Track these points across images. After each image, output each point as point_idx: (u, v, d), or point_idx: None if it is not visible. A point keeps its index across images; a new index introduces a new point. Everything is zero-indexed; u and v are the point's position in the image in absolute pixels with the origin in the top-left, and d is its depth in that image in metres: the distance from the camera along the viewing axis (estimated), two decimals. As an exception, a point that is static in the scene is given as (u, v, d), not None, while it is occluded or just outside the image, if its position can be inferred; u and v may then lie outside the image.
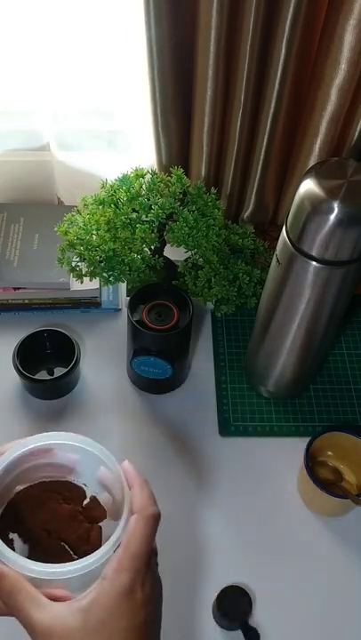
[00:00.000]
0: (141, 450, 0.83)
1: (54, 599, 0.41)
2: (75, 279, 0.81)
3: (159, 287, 0.80)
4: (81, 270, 0.80)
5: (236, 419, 0.85)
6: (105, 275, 0.79)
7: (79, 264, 0.80)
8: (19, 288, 0.92)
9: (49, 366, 0.87)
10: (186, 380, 0.89)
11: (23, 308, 0.94)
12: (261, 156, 0.85)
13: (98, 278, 0.80)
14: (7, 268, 0.91)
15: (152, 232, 0.78)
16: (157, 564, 0.46)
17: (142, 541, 0.42)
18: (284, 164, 0.89)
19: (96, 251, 0.77)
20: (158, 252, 0.83)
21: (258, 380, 0.86)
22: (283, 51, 0.72)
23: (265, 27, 0.71)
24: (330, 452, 0.80)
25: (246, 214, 0.96)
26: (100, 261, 0.78)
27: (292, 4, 0.67)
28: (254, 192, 0.92)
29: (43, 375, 0.86)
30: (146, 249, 0.79)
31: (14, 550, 0.43)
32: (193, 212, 0.79)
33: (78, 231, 0.78)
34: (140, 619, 0.41)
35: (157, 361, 0.78)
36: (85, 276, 0.80)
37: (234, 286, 0.82)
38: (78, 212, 0.81)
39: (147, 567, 0.42)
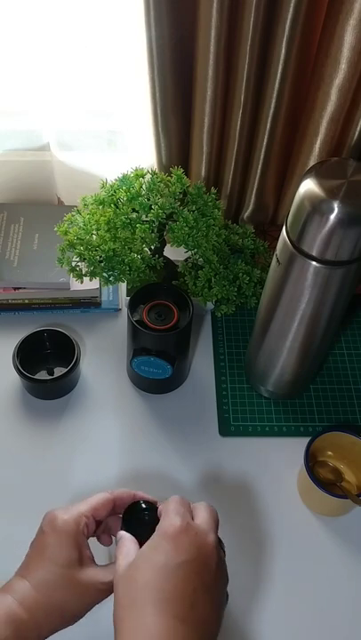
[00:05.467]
0: (141, 450, 0.83)
1: None
2: (75, 279, 0.81)
3: (159, 287, 0.80)
4: (81, 270, 0.80)
5: (236, 419, 0.85)
6: (105, 275, 0.79)
7: (79, 264, 0.80)
8: (19, 288, 0.92)
9: (49, 366, 0.87)
10: (186, 379, 0.89)
11: (23, 308, 0.94)
12: (261, 156, 0.85)
13: (98, 278, 0.80)
14: (7, 267, 0.91)
15: (152, 232, 0.78)
16: (224, 553, 0.52)
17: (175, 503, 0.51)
18: (284, 164, 0.89)
19: (96, 251, 0.77)
20: (158, 252, 0.83)
21: (258, 380, 0.86)
22: (283, 51, 0.72)
23: (265, 27, 0.71)
24: (330, 452, 0.80)
25: (246, 214, 0.96)
26: (100, 261, 0.78)
27: (292, 4, 0.67)
28: (254, 192, 0.92)
29: (43, 375, 0.86)
30: (146, 249, 0.79)
31: None
32: (193, 211, 0.79)
33: (78, 231, 0.78)
34: (180, 558, 0.47)
35: (157, 361, 0.78)
36: (85, 275, 0.80)
37: (234, 286, 0.82)
38: (78, 211, 0.81)
39: (187, 525, 0.49)
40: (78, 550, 0.53)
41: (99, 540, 0.60)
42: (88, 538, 0.55)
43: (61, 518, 0.53)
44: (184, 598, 0.46)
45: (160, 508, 0.53)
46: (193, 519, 0.51)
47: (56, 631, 0.52)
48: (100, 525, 0.58)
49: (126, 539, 0.52)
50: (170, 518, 0.49)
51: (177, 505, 0.51)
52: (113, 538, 0.59)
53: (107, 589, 0.52)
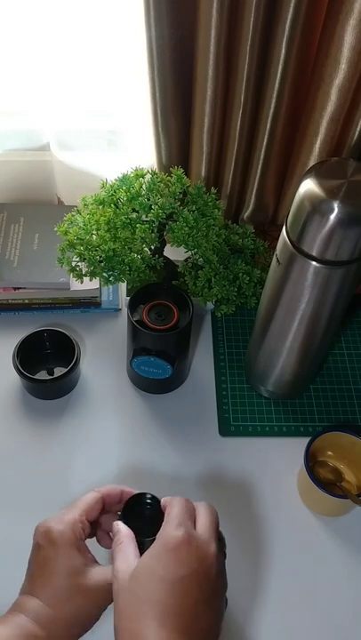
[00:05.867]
0: (141, 450, 0.83)
1: None
2: (75, 279, 0.81)
3: (159, 287, 0.80)
4: (81, 270, 0.80)
5: (236, 419, 0.85)
6: (105, 275, 0.79)
7: (79, 264, 0.80)
8: (19, 288, 0.92)
9: (49, 366, 0.87)
10: (186, 379, 0.89)
11: (23, 308, 0.94)
12: (261, 156, 0.85)
13: (98, 278, 0.80)
14: (7, 267, 0.91)
15: (152, 232, 0.78)
16: (225, 556, 0.52)
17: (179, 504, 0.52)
18: (284, 164, 0.89)
19: (96, 251, 0.77)
20: (158, 252, 0.83)
21: (258, 380, 0.86)
22: (283, 51, 0.72)
23: (265, 27, 0.71)
24: (330, 452, 0.80)
25: (246, 214, 0.96)
26: (100, 261, 0.78)
27: (292, 4, 0.67)
28: (254, 192, 0.92)
29: (43, 375, 0.86)
30: (146, 249, 0.79)
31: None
32: (193, 211, 0.79)
33: (78, 231, 0.78)
34: (181, 573, 0.47)
35: (157, 361, 0.78)
36: (85, 275, 0.80)
37: (234, 286, 0.82)
38: (78, 211, 0.81)
39: (190, 534, 0.49)
40: (80, 557, 0.52)
41: (99, 542, 0.60)
42: (85, 540, 0.55)
43: (57, 530, 0.52)
44: (186, 611, 0.46)
45: (163, 503, 0.53)
46: (195, 524, 0.51)
47: (82, 633, 0.51)
48: (95, 525, 0.58)
49: (123, 535, 0.52)
50: (172, 529, 0.49)
51: (180, 511, 0.51)
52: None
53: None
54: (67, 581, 0.51)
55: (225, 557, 0.52)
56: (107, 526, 0.60)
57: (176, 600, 0.46)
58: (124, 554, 0.50)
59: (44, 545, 0.52)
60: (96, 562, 0.54)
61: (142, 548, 0.52)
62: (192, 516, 0.52)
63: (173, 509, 0.51)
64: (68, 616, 0.50)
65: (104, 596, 0.51)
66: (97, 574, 0.52)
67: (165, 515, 0.51)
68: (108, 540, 0.59)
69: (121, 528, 0.53)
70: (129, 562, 0.49)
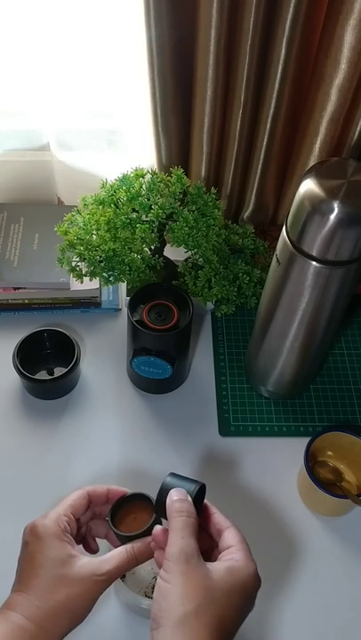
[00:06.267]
0: (141, 450, 0.83)
1: None
2: (75, 279, 0.81)
3: (159, 287, 0.80)
4: (81, 270, 0.80)
5: (236, 419, 0.85)
6: (105, 275, 0.79)
7: (79, 264, 0.80)
8: (19, 288, 0.92)
9: (49, 366, 0.87)
10: (186, 379, 0.89)
11: (23, 308, 0.94)
12: (261, 156, 0.85)
13: (98, 278, 0.80)
14: (7, 267, 0.91)
15: (152, 232, 0.78)
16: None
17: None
18: (284, 164, 0.89)
19: (96, 251, 0.77)
20: (158, 252, 0.83)
21: (258, 380, 0.86)
22: (283, 51, 0.72)
23: (265, 27, 0.71)
24: (330, 452, 0.80)
25: (246, 214, 0.96)
26: (100, 261, 0.78)
27: (292, 4, 0.67)
28: (254, 192, 0.92)
29: (43, 375, 0.86)
30: (146, 249, 0.79)
31: None
32: (193, 211, 0.79)
33: (78, 231, 0.78)
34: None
35: (157, 361, 0.78)
36: (85, 275, 0.80)
37: (234, 286, 0.82)
38: (78, 211, 0.81)
39: None
40: (65, 549, 0.53)
41: (86, 547, 0.60)
42: (72, 535, 0.55)
43: (41, 524, 0.53)
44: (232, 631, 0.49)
45: (217, 523, 0.55)
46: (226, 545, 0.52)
47: (69, 632, 0.51)
48: (81, 527, 0.59)
49: (189, 511, 0.52)
50: (249, 563, 0.51)
51: (244, 540, 0.53)
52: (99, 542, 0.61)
53: (106, 579, 0.52)
54: (53, 572, 0.51)
55: None
56: (96, 532, 0.60)
57: (228, 622, 0.48)
58: (190, 530, 0.50)
59: (30, 541, 0.53)
60: (84, 555, 0.54)
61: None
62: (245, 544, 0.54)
63: (237, 537, 0.53)
64: (57, 607, 0.50)
65: (93, 587, 0.51)
66: (85, 565, 0.52)
67: (234, 540, 0.52)
68: (94, 544, 0.61)
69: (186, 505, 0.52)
70: (192, 547, 0.49)
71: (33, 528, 0.54)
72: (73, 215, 0.80)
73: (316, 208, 0.58)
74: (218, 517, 0.55)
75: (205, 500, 0.56)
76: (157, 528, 0.53)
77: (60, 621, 0.51)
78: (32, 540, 0.53)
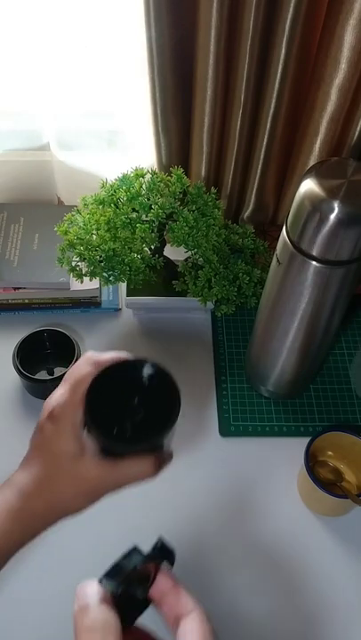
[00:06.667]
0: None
1: None
2: (75, 279, 0.81)
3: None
4: (81, 270, 0.80)
5: (236, 419, 0.85)
6: (105, 274, 0.79)
7: (79, 264, 0.80)
8: (19, 288, 0.92)
9: (49, 366, 0.87)
10: (186, 379, 0.89)
11: (23, 308, 0.94)
12: (261, 156, 0.85)
13: (98, 278, 0.80)
14: (7, 267, 0.91)
15: (152, 232, 0.78)
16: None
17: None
18: (284, 164, 0.89)
19: (96, 251, 0.77)
20: (158, 252, 0.83)
21: (258, 380, 0.86)
22: (283, 51, 0.72)
23: (265, 27, 0.71)
24: (330, 452, 0.80)
25: (246, 214, 0.96)
26: (100, 261, 0.78)
27: (292, 4, 0.67)
28: (254, 192, 0.92)
29: (43, 375, 0.86)
30: (146, 249, 0.79)
31: None
32: (193, 211, 0.79)
33: (78, 231, 0.78)
34: None
35: None
36: (85, 275, 0.80)
37: (234, 286, 0.82)
38: (78, 211, 0.81)
39: None
40: (78, 444, 0.50)
41: None
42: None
43: (60, 412, 0.51)
44: None
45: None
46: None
47: (63, 518, 0.50)
48: None
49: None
50: None
51: None
52: None
53: (112, 485, 0.50)
54: (60, 465, 0.50)
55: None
56: None
57: None
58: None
59: (46, 427, 0.51)
60: (93, 453, 0.51)
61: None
62: None
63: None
64: (52, 499, 0.49)
65: (94, 490, 0.50)
66: (92, 466, 0.50)
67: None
68: None
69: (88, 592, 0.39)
70: None
71: (51, 414, 0.51)
72: (73, 215, 0.80)
73: (316, 208, 0.58)
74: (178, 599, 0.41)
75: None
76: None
77: (47, 513, 0.50)
78: (48, 426, 0.51)
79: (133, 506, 0.74)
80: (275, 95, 0.77)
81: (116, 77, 0.85)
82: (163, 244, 0.83)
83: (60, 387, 0.53)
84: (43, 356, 0.88)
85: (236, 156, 0.86)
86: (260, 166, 0.87)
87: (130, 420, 0.53)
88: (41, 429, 0.52)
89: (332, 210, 0.57)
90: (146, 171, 0.81)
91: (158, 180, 0.79)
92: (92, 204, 0.80)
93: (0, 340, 0.90)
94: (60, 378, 0.83)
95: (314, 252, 0.62)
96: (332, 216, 0.58)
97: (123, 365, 0.50)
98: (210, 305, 0.86)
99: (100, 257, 0.77)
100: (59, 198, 1.05)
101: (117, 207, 0.79)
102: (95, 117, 0.94)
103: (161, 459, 0.52)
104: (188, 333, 0.94)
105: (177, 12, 0.72)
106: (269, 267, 0.71)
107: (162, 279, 0.86)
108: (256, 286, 0.84)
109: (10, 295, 0.92)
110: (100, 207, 0.80)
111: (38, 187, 1.03)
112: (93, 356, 0.52)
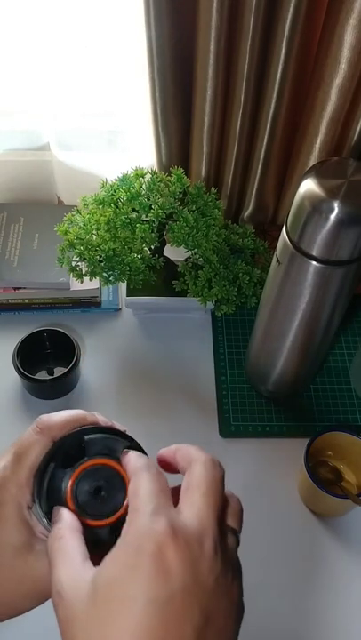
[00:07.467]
0: (141, 450, 0.82)
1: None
2: (75, 279, 0.81)
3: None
4: (81, 270, 0.80)
5: (237, 419, 0.85)
6: (105, 274, 0.79)
7: (79, 264, 0.80)
8: (19, 288, 0.92)
9: (49, 366, 0.87)
10: (186, 379, 0.89)
11: (23, 308, 0.94)
12: (261, 156, 0.85)
13: (98, 278, 0.80)
14: (7, 267, 0.91)
15: (152, 232, 0.78)
16: (238, 541, 0.39)
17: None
18: (284, 164, 0.89)
19: (96, 250, 0.77)
20: (158, 251, 0.83)
21: (258, 380, 0.86)
22: (283, 51, 0.72)
23: (265, 27, 0.71)
24: (330, 452, 0.79)
25: (246, 214, 0.96)
26: (100, 261, 0.78)
27: (292, 4, 0.67)
28: (254, 192, 0.92)
29: (43, 375, 0.86)
30: (146, 249, 0.79)
31: None
32: (193, 211, 0.79)
33: (78, 231, 0.78)
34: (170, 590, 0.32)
35: None
36: (85, 275, 0.80)
37: (234, 286, 0.82)
38: (78, 211, 0.81)
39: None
40: (26, 534, 0.40)
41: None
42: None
43: (7, 491, 0.40)
44: None
45: (125, 466, 0.39)
46: (179, 506, 0.36)
47: (4, 618, 0.40)
48: None
49: (66, 525, 0.37)
50: (145, 520, 0.33)
51: (153, 489, 0.35)
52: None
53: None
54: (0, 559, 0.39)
55: (237, 546, 0.39)
56: None
57: (167, 631, 0.31)
58: (65, 556, 0.35)
59: None
60: (41, 537, 0.40)
61: (97, 539, 0.37)
62: (169, 495, 0.36)
63: (141, 486, 0.35)
64: None
65: (40, 592, 0.39)
66: (39, 564, 0.39)
67: (129, 494, 0.36)
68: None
69: (63, 514, 0.37)
70: (74, 569, 0.34)
71: None
72: (73, 215, 0.80)
73: (316, 208, 0.58)
74: (131, 483, 0.38)
75: (126, 463, 0.41)
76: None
77: None
78: None
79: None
80: (275, 95, 0.77)
81: (116, 77, 0.85)
82: (163, 243, 0.83)
83: (2, 456, 0.44)
84: (43, 356, 0.88)
85: (236, 156, 0.86)
86: (260, 166, 0.87)
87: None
88: None
89: (332, 210, 0.57)
90: (146, 171, 0.81)
91: (158, 179, 0.79)
92: (92, 204, 0.80)
93: (0, 340, 0.90)
94: (61, 378, 0.84)
95: (314, 252, 0.62)
96: (332, 216, 0.58)
97: (76, 436, 0.43)
98: (210, 305, 0.86)
99: (100, 257, 0.77)
100: (59, 198, 1.05)
101: (117, 207, 0.79)
102: (95, 117, 0.94)
103: None
104: (188, 333, 0.94)
105: (177, 12, 0.72)
106: (269, 267, 0.71)
107: (162, 279, 0.86)
108: (256, 286, 0.84)
109: (10, 295, 0.92)
110: (100, 207, 0.80)
111: (38, 187, 1.03)
112: (42, 420, 0.44)
